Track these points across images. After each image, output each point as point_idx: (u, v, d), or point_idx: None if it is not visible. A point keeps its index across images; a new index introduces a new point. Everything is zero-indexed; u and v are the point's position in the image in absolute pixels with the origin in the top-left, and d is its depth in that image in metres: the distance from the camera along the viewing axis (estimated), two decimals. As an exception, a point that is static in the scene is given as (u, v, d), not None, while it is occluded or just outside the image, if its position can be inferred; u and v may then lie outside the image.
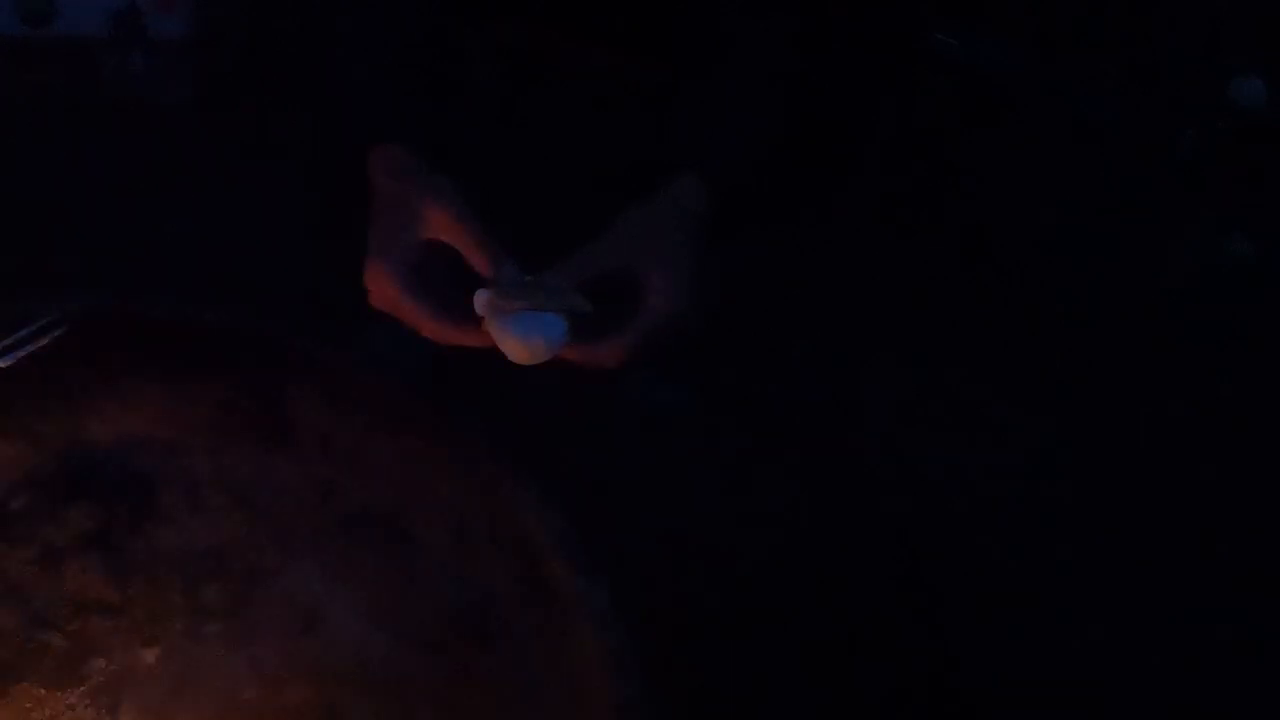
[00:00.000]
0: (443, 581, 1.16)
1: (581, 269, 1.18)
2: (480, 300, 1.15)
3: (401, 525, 1.20)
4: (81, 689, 1.21)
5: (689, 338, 1.29)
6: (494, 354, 1.17)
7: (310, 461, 1.24)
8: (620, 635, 0.99)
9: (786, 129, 1.38)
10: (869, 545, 1.83)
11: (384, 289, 1.20)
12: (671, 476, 1.66)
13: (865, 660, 1.70)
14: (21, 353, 1.11)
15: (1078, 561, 1.91)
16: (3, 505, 1.24)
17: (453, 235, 1.19)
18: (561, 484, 1.20)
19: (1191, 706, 1.75)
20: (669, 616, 1.32)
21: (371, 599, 1.18)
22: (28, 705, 1.19)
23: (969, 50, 2.63)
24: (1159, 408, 2.15)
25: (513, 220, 1.24)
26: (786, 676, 1.62)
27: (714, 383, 1.83)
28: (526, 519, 1.12)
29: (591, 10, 1.50)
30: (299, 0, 1.65)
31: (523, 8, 1.52)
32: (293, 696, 1.18)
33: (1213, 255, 2.52)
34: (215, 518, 1.25)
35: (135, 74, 2.11)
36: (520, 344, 1.13)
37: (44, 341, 1.12)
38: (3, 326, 1.20)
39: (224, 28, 2.09)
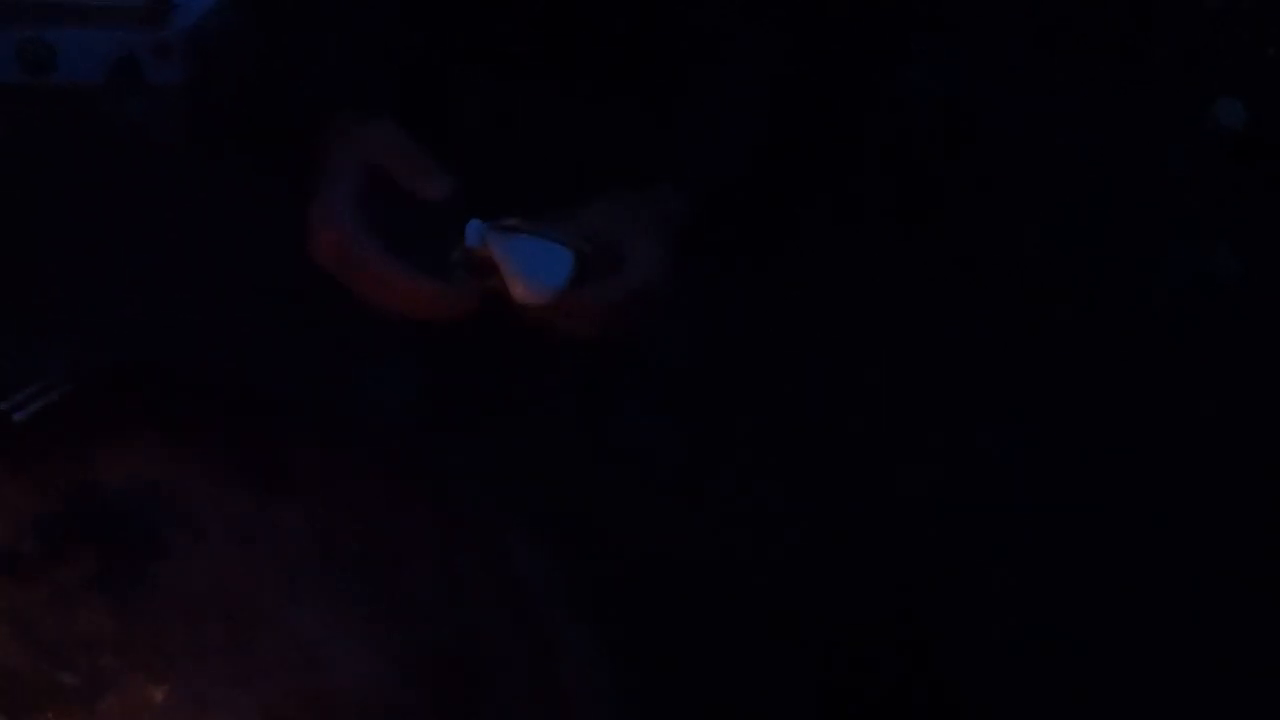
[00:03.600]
0: (437, 622, 1.22)
1: (564, 227, 1.15)
2: (474, 230, 1.10)
3: (396, 567, 1.26)
4: (94, 726, 1.27)
5: (668, 361, 1.33)
6: (472, 330, 1.16)
7: (309, 505, 1.30)
8: (608, 676, 1.05)
9: (773, 138, 1.42)
10: (861, 577, 1.87)
11: (330, 229, 1.18)
12: (657, 513, 1.71)
13: (858, 692, 1.75)
14: (35, 407, 1.17)
15: (1070, 578, 1.95)
16: (13, 548, 1.30)
17: (398, 161, 1.17)
18: (549, 524, 1.26)
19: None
20: (658, 653, 1.38)
21: (369, 639, 1.23)
22: (42, 742, 1.25)
23: (948, 75, 2.69)
24: (1148, 424, 2.16)
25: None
26: (780, 711, 1.67)
27: (697, 418, 1.88)
28: (515, 562, 1.18)
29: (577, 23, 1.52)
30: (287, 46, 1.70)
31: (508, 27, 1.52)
32: (296, 731, 1.24)
33: (1198, 271, 2.48)
34: (218, 559, 1.30)
35: (133, 118, 2.16)
36: (528, 277, 1.07)
37: (55, 397, 1.18)
38: (13, 378, 1.27)
39: (219, 74, 2.15)
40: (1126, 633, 1.91)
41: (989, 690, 1.82)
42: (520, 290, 1.08)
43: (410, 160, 1.17)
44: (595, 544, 1.34)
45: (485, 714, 1.14)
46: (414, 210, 1.20)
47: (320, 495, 1.30)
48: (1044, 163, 2.60)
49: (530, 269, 1.06)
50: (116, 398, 1.31)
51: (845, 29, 1.60)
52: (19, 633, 1.27)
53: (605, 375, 1.81)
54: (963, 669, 1.82)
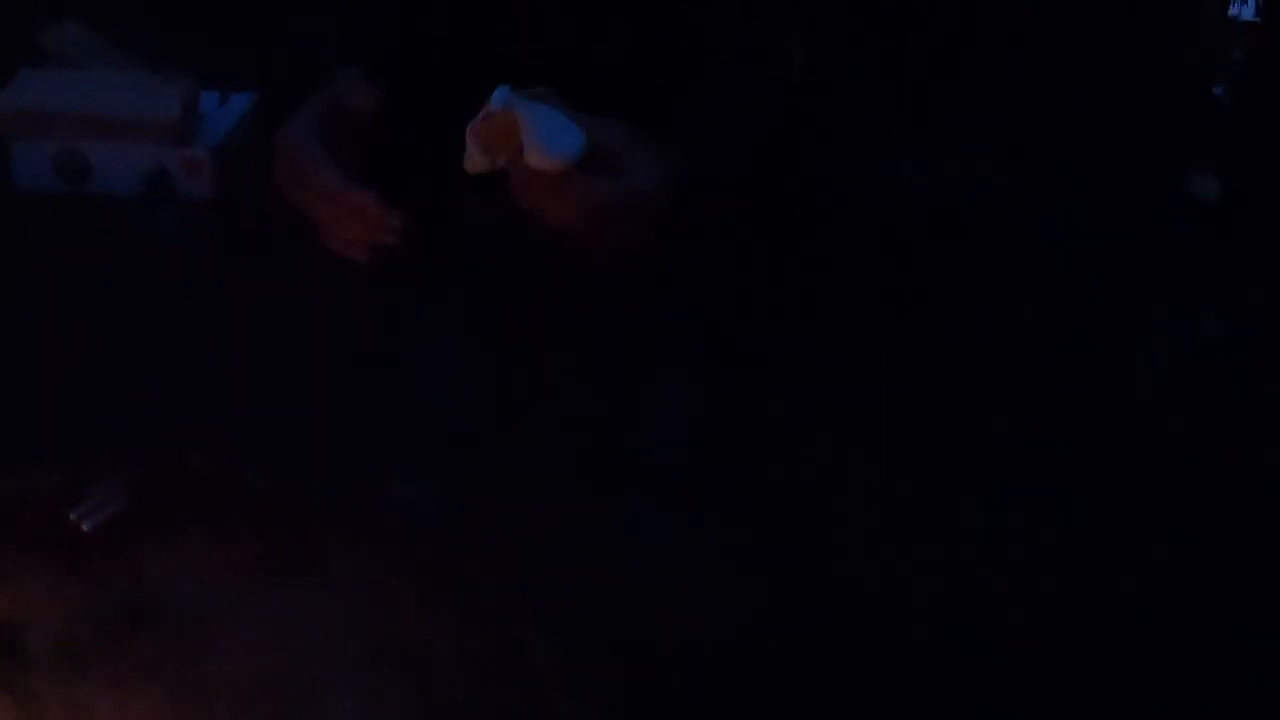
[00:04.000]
0: (457, 704, 1.34)
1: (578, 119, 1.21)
2: (501, 94, 1.16)
3: (423, 656, 1.38)
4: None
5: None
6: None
7: (343, 598, 1.43)
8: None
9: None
10: (852, 664, 1.95)
11: (288, 147, 1.28)
12: (665, 599, 1.82)
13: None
14: (100, 516, 1.30)
15: (1062, 669, 1.96)
16: (72, 638, 1.42)
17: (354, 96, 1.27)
18: (561, 612, 1.39)
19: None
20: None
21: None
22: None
23: (933, 166, 2.79)
24: (1140, 499, 2.17)
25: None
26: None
27: (701, 508, 1.99)
28: (531, 652, 1.30)
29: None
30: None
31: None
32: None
33: (1184, 339, 2.49)
34: (260, 648, 1.43)
35: (164, 229, 2.31)
36: (545, 143, 1.12)
37: (119, 506, 1.31)
38: (71, 486, 1.40)
39: (246, 189, 2.29)
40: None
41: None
42: (536, 155, 1.13)
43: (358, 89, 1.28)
44: (604, 633, 1.46)
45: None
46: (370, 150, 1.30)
47: (354, 589, 1.43)
48: (1027, 245, 2.68)
49: (548, 135, 1.12)
50: (166, 500, 1.44)
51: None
52: (78, 718, 1.39)
53: (608, 469, 1.93)
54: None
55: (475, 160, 1.25)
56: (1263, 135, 2.98)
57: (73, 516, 1.32)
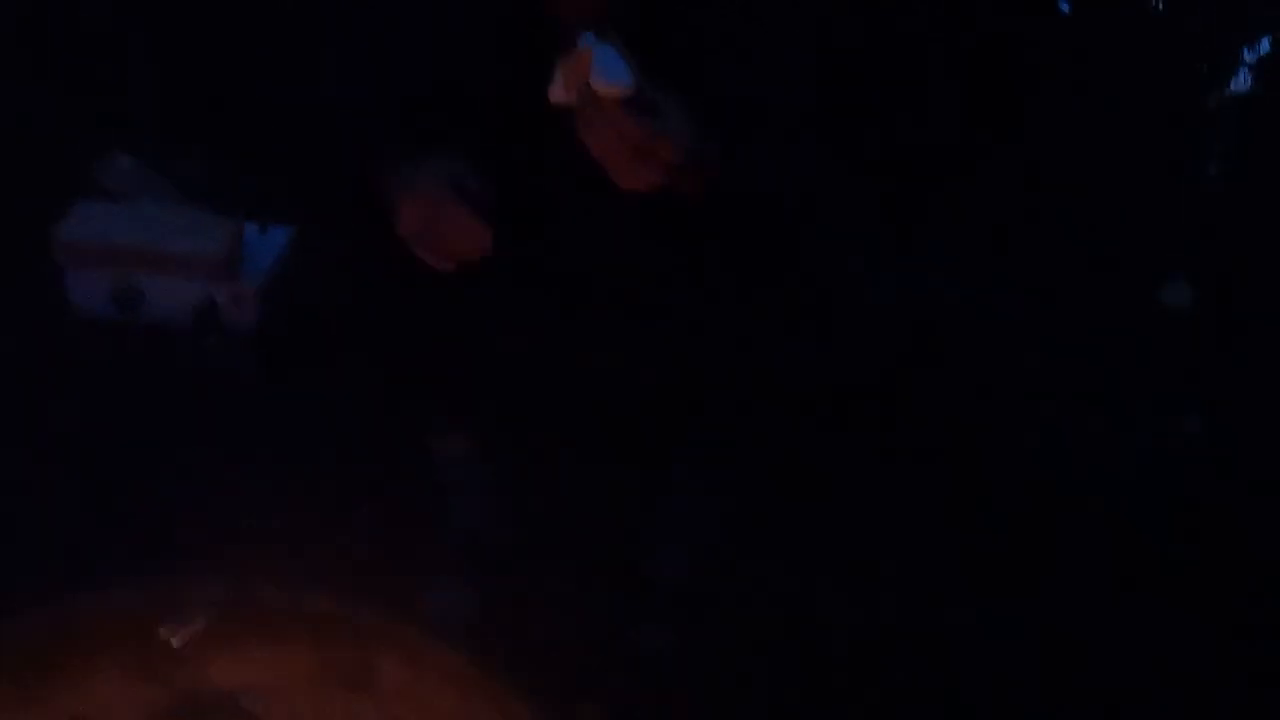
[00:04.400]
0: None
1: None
2: (586, 38, 1.47)
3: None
4: None
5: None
6: None
7: (389, 703, 1.61)
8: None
9: None
10: None
11: (423, 193, 1.56)
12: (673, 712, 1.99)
13: None
14: (187, 634, 1.48)
15: None
16: (142, 734, 1.60)
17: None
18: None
19: None
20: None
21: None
22: None
23: (917, 282, 2.93)
24: (1122, 595, 2.29)
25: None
26: None
27: (701, 621, 2.16)
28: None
29: None
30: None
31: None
32: None
33: (1165, 436, 2.66)
34: (314, 748, 1.60)
35: (211, 357, 2.50)
36: (605, 74, 1.45)
37: (201, 625, 1.49)
38: (159, 605, 1.58)
39: (288, 322, 2.49)
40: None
41: None
42: (596, 81, 1.46)
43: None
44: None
45: None
46: None
47: (398, 694, 1.61)
48: (1009, 350, 2.81)
49: (608, 69, 1.45)
50: (229, 614, 1.62)
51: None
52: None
53: (615, 593, 2.11)
54: None
55: (557, 89, 1.54)
56: (1243, 242, 3.13)
57: (163, 633, 1.49)
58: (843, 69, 2.49)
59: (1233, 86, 3.56)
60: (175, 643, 1.47)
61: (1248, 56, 3.42)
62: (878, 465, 2.51)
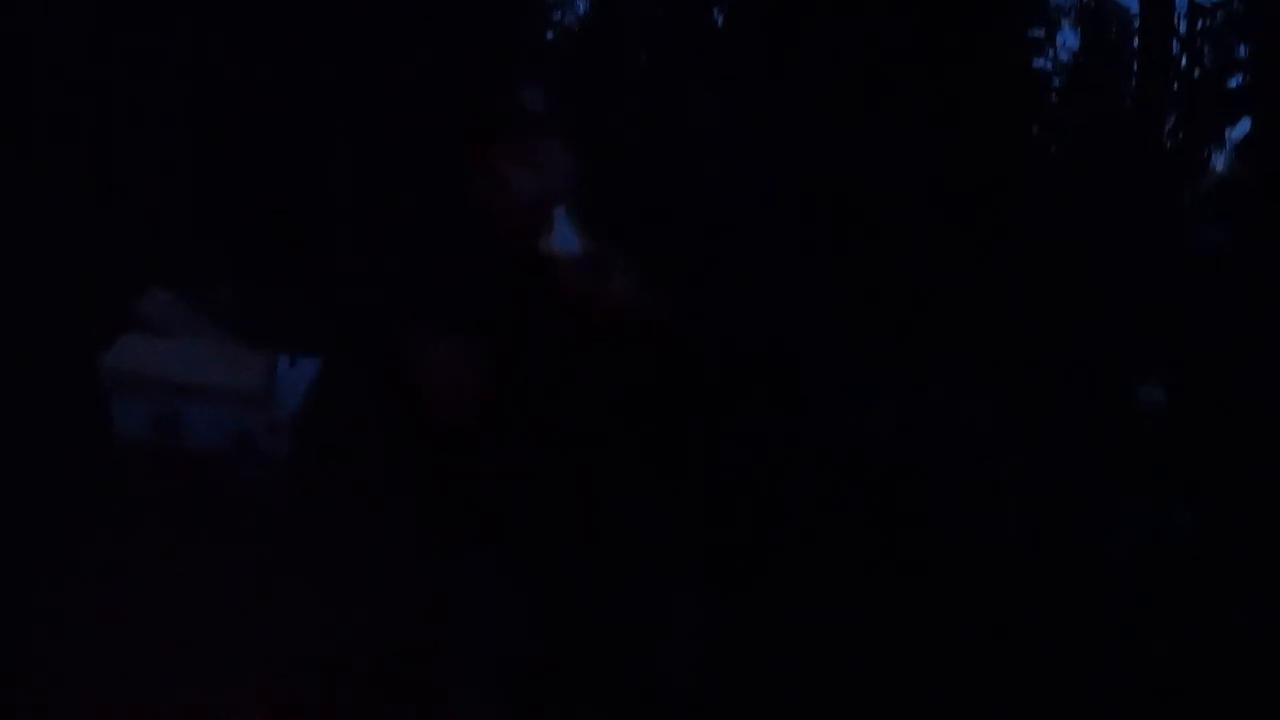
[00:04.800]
0: None
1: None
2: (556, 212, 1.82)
3: None
4: None
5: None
6: None
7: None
8: None
9: None
10: None
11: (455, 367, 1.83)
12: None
13: None
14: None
15: None
16: None
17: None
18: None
19: None
20: None
21: None
22: None
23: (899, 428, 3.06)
24: (1120, 694, 2.38)
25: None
26: None
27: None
28: None
29: None
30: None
31: None
32: None
33: (1155, 528, 2.76)
34: None
35: (247, 482, 2.66)
36: (561, 238, 1.79)
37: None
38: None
39: (319, 451, 2.65)
40: None
41: None
42: (554, 245, 1.81)
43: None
44: None
45: None
46: None
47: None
48: (993, 467, 2.92)
49: (561, 235, 1.81)
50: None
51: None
52: None
53: (633, 694, 2.23)
54: None
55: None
56: (1215, 341, 3.26)
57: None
58: (812, 198, 2.66)
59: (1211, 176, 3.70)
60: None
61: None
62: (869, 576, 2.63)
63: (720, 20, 4.75)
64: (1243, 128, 5.95)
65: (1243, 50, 6.23)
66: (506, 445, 1.99)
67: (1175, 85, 5.95)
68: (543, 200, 1.91)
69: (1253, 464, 2.87)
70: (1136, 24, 6.42)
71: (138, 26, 3.39)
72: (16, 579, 2.45)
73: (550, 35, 5.23)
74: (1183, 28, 6.26)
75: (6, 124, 3.46)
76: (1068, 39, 6.46)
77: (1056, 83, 6.27)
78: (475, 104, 1.98)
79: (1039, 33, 6.21)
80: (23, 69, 3.67)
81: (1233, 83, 6.17)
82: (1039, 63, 6.19)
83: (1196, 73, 5.91)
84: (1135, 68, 6.24)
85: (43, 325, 2.90)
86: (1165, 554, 2.71)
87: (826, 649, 2.47)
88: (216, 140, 3.11)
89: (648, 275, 1.88)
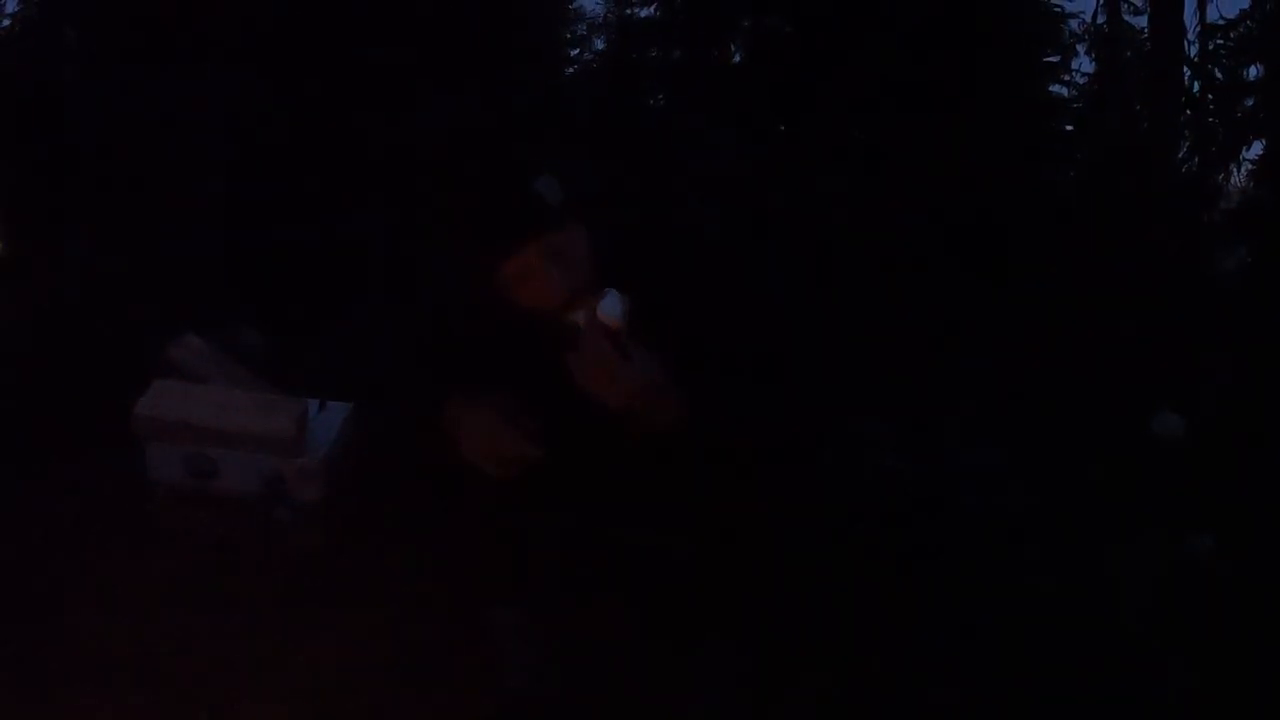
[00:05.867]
0: None
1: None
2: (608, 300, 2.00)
3: None
4: None
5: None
6: None
7: None
8: None
9: None
10: None
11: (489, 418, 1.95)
12: None
13: None
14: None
15: None
16: None
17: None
18: None
19: None
20: None
21: None
22: None
23: (908, 454, 3.12)
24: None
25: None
26: None
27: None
28: None
29: None
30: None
31: None
32: None
33: (1171, 557, 2.81)
34: None
35: (280, 525, 2.74)
36: (608, 306, 1.95)
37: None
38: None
39: (348, 497, 2.73)
40: None
41: None
42: (601, 311, 1.98)
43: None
44: None
45: None
46: None
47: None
48: (1000, 508, 2.97)
49: (609, 304, 1.98)
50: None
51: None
52: None
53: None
54: None
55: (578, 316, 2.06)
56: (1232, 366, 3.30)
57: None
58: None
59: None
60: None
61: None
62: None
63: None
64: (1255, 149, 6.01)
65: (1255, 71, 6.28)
66: (537, 506, 2.09)
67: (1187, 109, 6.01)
68: (574, 288, 2.04)
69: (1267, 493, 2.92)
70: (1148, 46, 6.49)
71: (173, 75, 3.48)
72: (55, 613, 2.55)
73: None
74: (1193, 50, 6.32)
75: (42, 172, 3.55)
76: (1083, 64, 6.52)
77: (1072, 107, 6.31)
78: (505, 199, 2.08)
79: (1055, 58, 6.26)
80: (57, 117, 3.77)
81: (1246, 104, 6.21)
82: (1055, 89, 6.24)
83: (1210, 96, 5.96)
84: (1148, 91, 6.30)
85: (80, 370, 2.98)
86: (1182, 583, 2.77)
87: (849, 696, 2.53)
88: (251, 188, 3.20)
89: (674, 357, 1.99)
